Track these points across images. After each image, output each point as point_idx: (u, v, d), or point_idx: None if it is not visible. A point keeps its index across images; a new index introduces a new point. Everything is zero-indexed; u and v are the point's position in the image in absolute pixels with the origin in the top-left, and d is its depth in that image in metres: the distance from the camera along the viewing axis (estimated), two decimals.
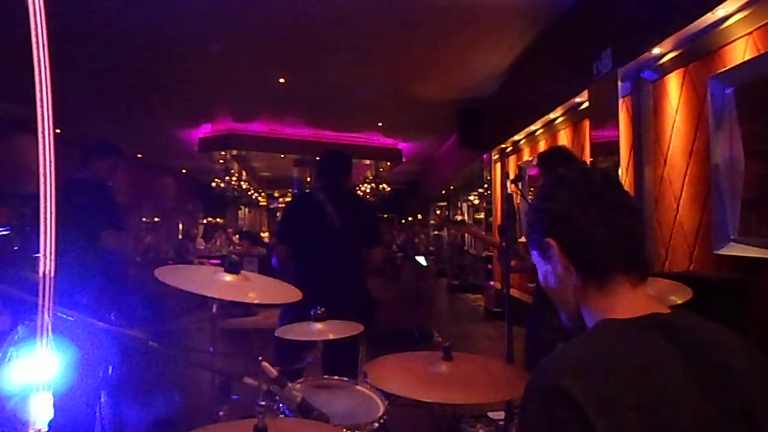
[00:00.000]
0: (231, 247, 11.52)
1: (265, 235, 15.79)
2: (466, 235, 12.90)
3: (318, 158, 3.42)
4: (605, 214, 0.89)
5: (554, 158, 3.21)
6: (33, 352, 0.62)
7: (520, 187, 3.24)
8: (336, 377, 2.01)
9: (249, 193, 16.53)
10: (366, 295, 3.10)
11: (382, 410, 1.70)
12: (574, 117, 5.50)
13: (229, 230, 15.24)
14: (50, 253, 0.62)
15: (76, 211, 2.62)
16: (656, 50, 3.58)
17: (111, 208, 3.01)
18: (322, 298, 1.82)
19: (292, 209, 3.27)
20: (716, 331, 0.86)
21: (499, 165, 8.32)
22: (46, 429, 0.65)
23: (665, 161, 3.82)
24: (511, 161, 7.78)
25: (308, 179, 11.23)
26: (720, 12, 2.98)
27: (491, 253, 8.96)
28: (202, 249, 12.06)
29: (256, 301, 1.81)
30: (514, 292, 2.61)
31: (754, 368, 0.82)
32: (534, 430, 0.75)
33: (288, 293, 1.79)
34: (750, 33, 2.97)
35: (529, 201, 3.17)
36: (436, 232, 16.93)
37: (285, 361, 1.46)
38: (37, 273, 0.63)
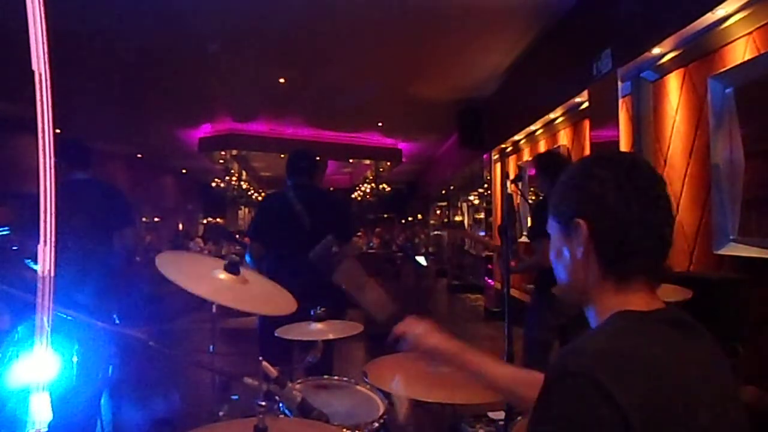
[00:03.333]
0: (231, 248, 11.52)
1: None
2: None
3: (282, 156, 3.53)
4: (646, 213, 0.84)
5: (552, 162, 3.25)
6: (33, 352, 0.62)
7: (520, 187, 3.28)
8: (336, 377, 2.01)
9: (249, 193, 16.52)
10: (337, 290, 3.18)
11: (382, 410, 1.70)
12: (574, 117, 5.50)
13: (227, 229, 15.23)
14: (50, 253, 0.62)
15: (87, 211, 2.64)
16: (656, 50, 3.58)
17: (127, 205, 3.08)
18: (294, 293, 1.82)
19: (265, 207, 3.35)
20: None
21: (499, 165, 8.32)
22: (46, 429, 0.65)
23: (665, 161, 3.82)
24: (511, 161, 7.78)
25: None
26: (720, 12, 2.98)
27: (491, 253, 8.96)
28: (200, 250, 12.06)
29: (252, 311, 1.80)
30: (514, 292, 2.61)
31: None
32: (563, 419, 0.72)
33: (285, 302, 1.77)
34: (750, 33, 2.97)
35: (530, 201, 3.19)
36: (436, 232, 16.93)
37: (273, 360, 1.45)
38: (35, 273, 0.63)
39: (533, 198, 6.62)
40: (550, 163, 3.26)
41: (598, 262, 0.87)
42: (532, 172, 6.58)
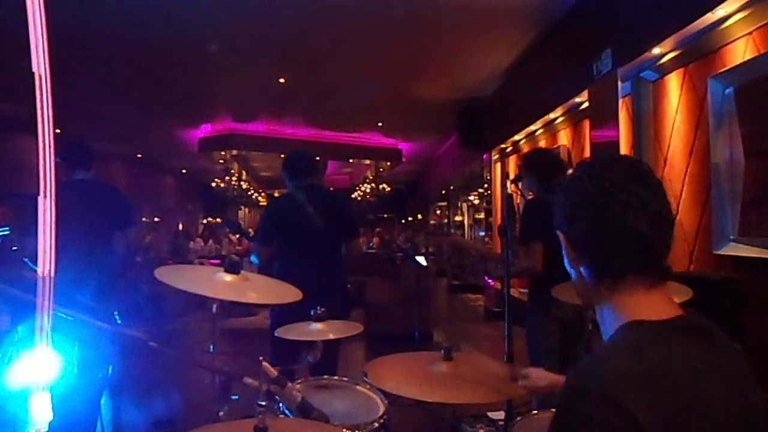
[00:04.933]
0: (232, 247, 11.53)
1: None
2: (467, 234, 12.92)
3: (282, 156, 3.54)
4: (619, 214, 0.82)
5: (540, 161, 3.17)
6: (33, 352, 0.62)
7: (520, 187, 3.22)
8: (336, 377, 2.01)
9: (249, 193, 16.53)
10: (344, 290, 3.22)
11: (382, 410, 1.70)
12: (574, 117, 5.50)
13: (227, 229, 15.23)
14: (50, 253, 0.62)
15: (88, 212, 2.64)
16: (656, 50, 3.58)
17: (128, 206, 3.10)
18: (306, 295, 1.82)
19: (274, 211, 3.24)
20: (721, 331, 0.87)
21: (499, 165, 8.32)
22: (46, 429, 0.65)
23: (665, 161, 3.82)
24: (511, 161, 7.78)
25: None
26: (720, 12, 2.98)
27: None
28: (201, 249, 12.07)
29: (256, 302, 1.81)
30: (514, 292, 2.60)
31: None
32: None
33: (288, 293, 1.79)
34: (750, 33, 2.97)
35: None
36: (435, 238, 16.91)
37: (282, 361, 1.46)
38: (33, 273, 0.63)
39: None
40: (538, 162, 3.14)
41: (585, 269, 0.88)
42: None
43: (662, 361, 0.76)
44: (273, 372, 1.21)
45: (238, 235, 11.81)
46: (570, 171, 0.94)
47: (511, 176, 3.41)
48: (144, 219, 13.81)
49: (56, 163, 0.62)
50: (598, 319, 0.91)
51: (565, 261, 0.94)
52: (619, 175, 0.84)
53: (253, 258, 3.04)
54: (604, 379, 0.73)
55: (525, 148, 7.23)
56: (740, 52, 3.05)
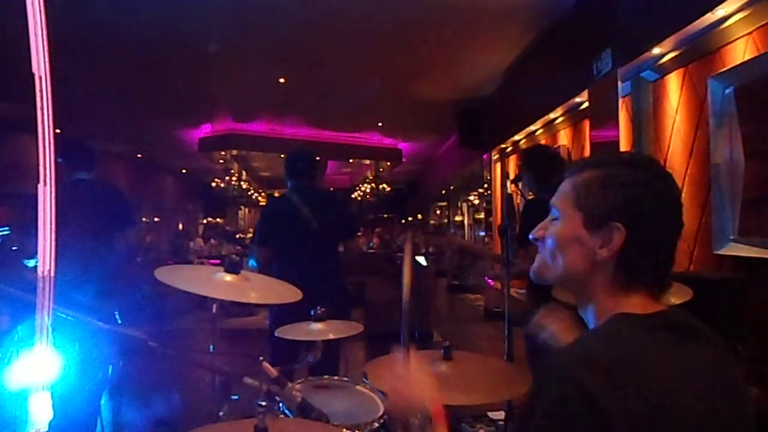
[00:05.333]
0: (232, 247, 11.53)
1: None
2: (467, 234, 12.90)
3: (282, 156, 3.57)
4: (674, 227, 0.85)
5: (542, 157, 3.15)
6: (33, 352, 0.62)
7: (520, 187, 3.22)
8: (336, 377, 2.02)
9: (249, 193, 16.52)
10: (343, 290, 3.25)
11: (382, 410, 1.70)
12: (574, 117, 5.50)
13: (227, 229, 15.26)
14: (50, 253, 0.62)
15: (89, 212, 2.65)
16: (656, 50, 3.58)
17: (128, 206, 3.11)
18: (305, 295, 1.82)
19: (270, 213, 3.30)
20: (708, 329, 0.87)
21: (499, 165, 8.32)
22: (46, 429, 0.65)
23: (665, 161, 3.82)
24: (511, 161, 7.78)
25: None
26: (720, 12, 2.98)
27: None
28: (201, 249, 12.07)
29: (256, 302, 1.80)
30: (514, 292, 2.60)
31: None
32: (548, 418, 0.73)
33: (288, 293, 1.79)
34: (750, 33, 2.97)
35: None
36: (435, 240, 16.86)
37: (282, 361, 1.46)
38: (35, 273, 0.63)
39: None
40: (537, 159, 3.09)
41: (615, 266, 0.85)
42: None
43: (633, 350, 0.77)
44: (273, 372, 1.21)
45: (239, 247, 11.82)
46: (632, 161, 0.89)
47: (511, 176, 3.39)
48: (144, 219, 13.80)
49: (57, 163, 0.62)
50: (587, 313, 0.90)
51: (580, 242, 0.87)
52: (677, 189, 0.86)
53: (251, 261, 3.04)
54: (572, 364, 0.75)
55: None
56: (740, 52, 3.05)
